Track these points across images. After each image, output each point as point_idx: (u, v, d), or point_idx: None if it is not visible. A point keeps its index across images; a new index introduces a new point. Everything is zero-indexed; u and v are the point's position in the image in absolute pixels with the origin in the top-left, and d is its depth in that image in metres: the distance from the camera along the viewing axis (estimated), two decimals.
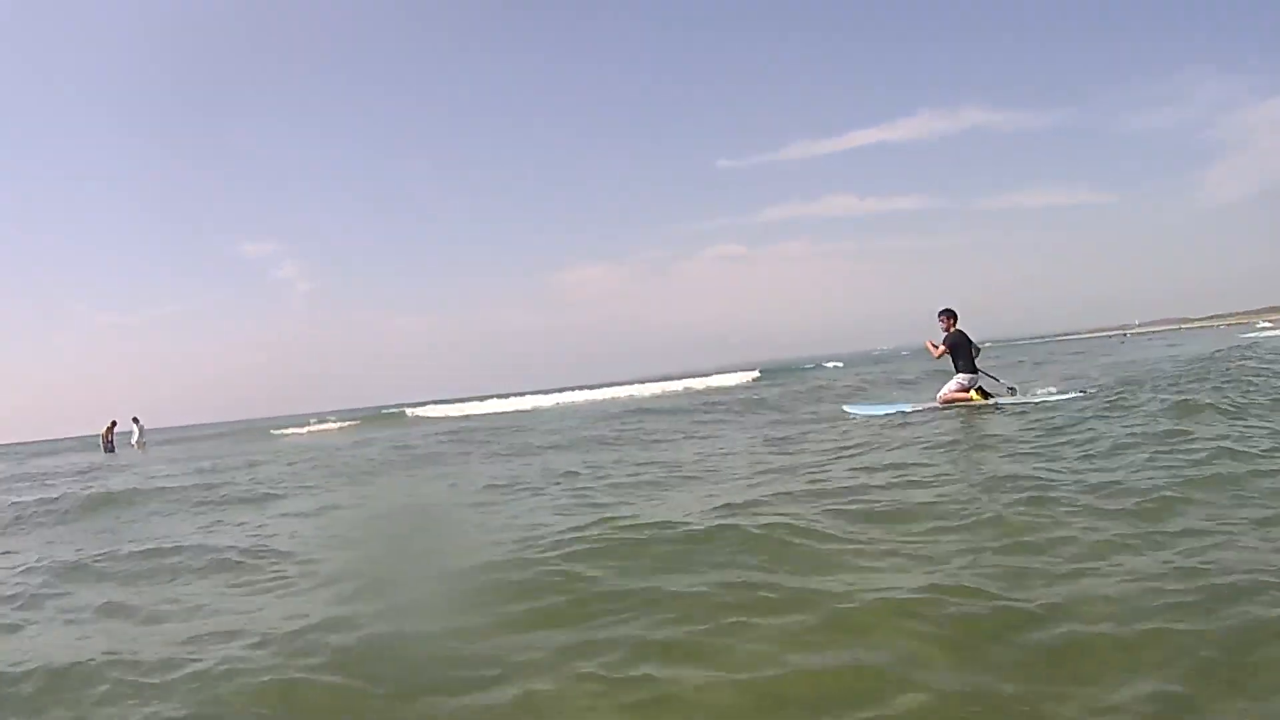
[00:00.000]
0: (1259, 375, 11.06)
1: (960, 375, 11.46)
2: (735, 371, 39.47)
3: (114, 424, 28.45)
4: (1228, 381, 10.45)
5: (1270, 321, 72.92)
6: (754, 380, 34.70)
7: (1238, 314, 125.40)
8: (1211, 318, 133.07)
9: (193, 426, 61.30)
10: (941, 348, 11.56)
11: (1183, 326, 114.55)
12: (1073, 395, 10.81)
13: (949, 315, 11.66)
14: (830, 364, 53.38)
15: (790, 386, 25.37)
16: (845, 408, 12.87)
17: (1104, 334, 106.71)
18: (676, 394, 30.42)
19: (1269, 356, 14.87)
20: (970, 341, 11.53)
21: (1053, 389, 11.58)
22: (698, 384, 32.77)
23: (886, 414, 11.52)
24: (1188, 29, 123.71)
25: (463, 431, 17.54)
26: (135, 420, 28.75)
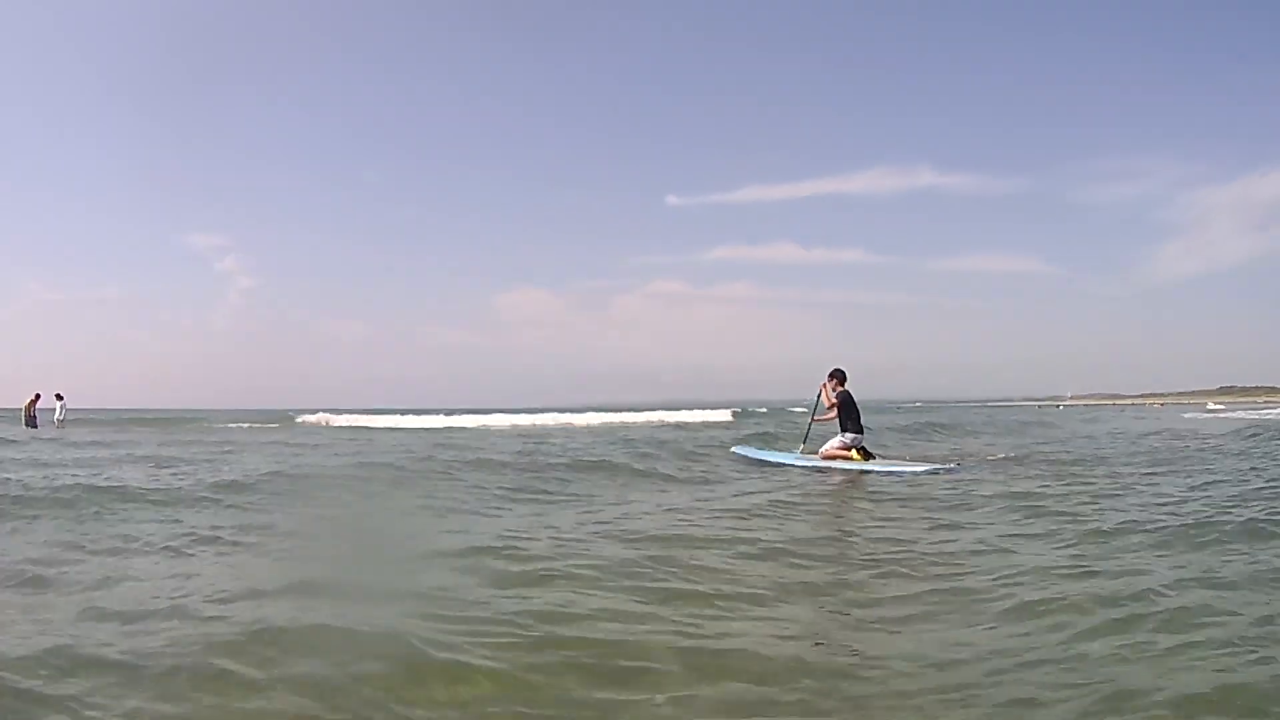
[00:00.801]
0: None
1: (845, 434, 11.71)
2: (685, 409, 39.40)
3: (37, 397, 27.66)
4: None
5: (1222, 404, 76.13)
6: (729, 419, 34.62)
7: (1177, 394, 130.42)
8: (1144, 395, 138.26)
9: (114, 410, 59.03)
10: (834, 402, 11.80)
11: (1115, 403, 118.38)
12: (942, 468, 11.18)
13: (838, 376, 12.02)
14: (761, 409, 53.72)
15: (702, 431, 25.43)
16: (734, 448, 13.04)
17: (1036, 403, 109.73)
18: (589, 426, 29.92)
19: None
20: (855, 403, 11.82)
21: (922, 465, 11.84)
22: (621, 419, 32.53)
23: (771, 461, 11.80)
24: (1151, 108, 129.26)
25: (300, 447, 16.81)
26: (58, 397, 27.87)
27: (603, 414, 33.69)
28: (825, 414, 12.06)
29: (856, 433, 11.77)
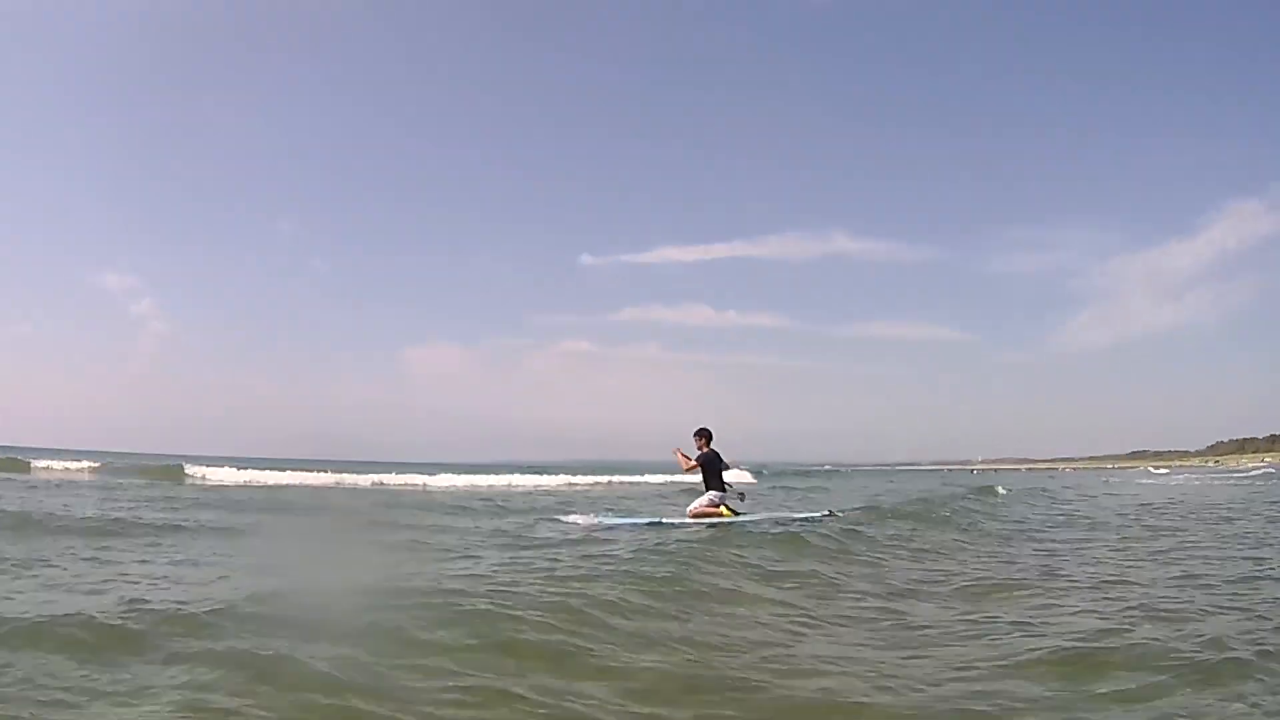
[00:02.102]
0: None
1: (711, 492, 11.57)
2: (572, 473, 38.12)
3: None
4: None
5: (1163, 467, 78.78)
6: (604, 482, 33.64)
7: (1088, 458, 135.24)
8: (1055, 460, 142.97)
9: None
10: (693, 462, 11.59)
11: (1027, 467, 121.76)
12: (816, 516, 11.57)
13: (704, 435, 11.90)
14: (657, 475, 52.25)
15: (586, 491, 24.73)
16: (604, 518, 12.38)
17: (946, 467, 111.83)
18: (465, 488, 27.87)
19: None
20: (720, 461, 11.79)
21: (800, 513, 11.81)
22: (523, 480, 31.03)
23: (640, 524, 11.38)
24: (1063, 178, 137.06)
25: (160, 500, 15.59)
26: None
27: (509, 475, 32.36)
28: (687, 472, 11.84)
29: (720, 490, 11.66)
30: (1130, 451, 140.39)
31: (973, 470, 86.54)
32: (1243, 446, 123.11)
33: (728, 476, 11.88)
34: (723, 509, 11.44)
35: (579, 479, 32.06)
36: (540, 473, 34.36)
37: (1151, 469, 75.17)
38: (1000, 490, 22.19)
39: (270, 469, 29.28)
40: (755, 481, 29.36)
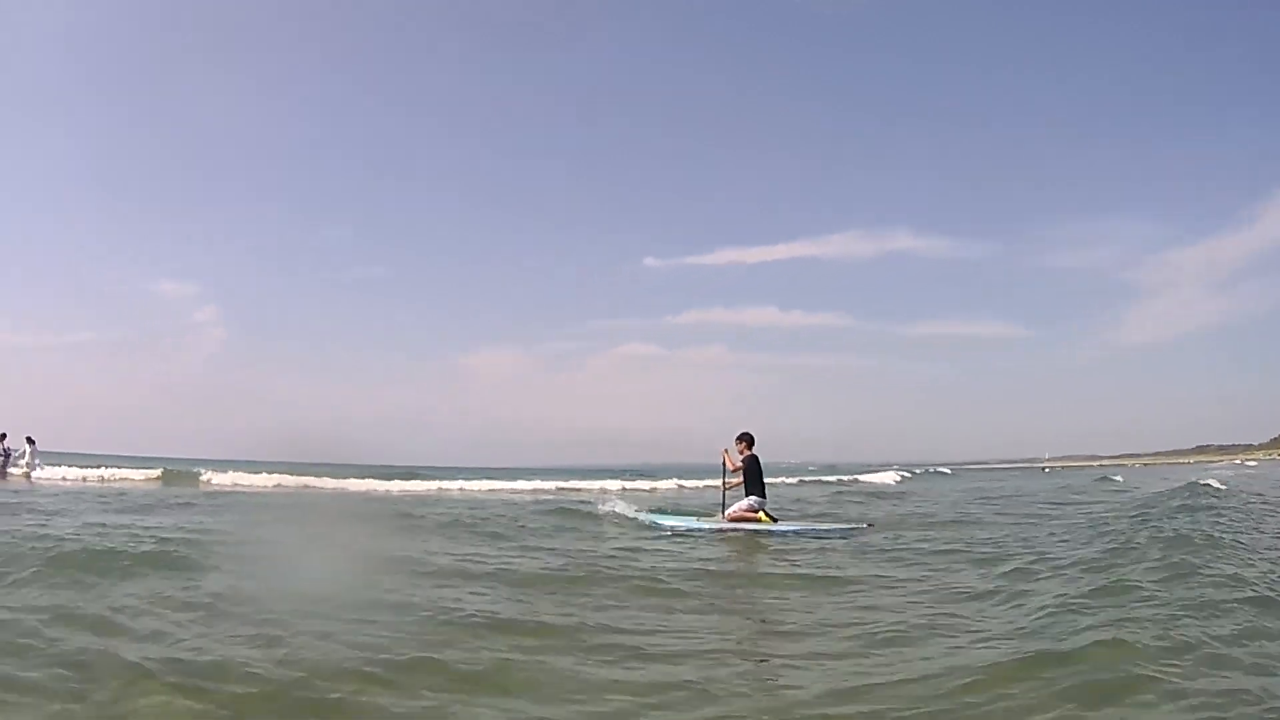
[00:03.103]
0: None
1: (751, 497, 11.39)
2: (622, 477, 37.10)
3: (3, 436, 25.33)
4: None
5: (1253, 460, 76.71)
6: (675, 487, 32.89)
7: (1153, 454, 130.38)
8: (1121, 456, 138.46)
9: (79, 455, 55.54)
10: (738, 464, 11.50)
11: (1097, 464, 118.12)
12: (847, 527, 11.24)
13: (747, 440, 11.81)
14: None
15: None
16: (646, 516, 12.35)
17: (1014, 465, 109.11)
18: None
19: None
20: (760, 467, 11.71)
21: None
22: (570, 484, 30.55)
23: (674, 526, 11.45)
24: (1115, 170, 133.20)
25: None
26: (29, 440, 25.75)
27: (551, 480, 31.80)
28: (731, 479, 11.70)
29: (760, 495, 11.55)
30: (1194, 446, 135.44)
31: (1044, 469, 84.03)
32: None
33: (884, 477, 11.94)
34: (762, 514, 11.27)
35: (643, 483, 30.48)
36: (603, 476, 33.27)
37: (1241, 460, 73.25)
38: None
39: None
40: (898, 480, 27.23)
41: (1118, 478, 34.01)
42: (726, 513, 11.50)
